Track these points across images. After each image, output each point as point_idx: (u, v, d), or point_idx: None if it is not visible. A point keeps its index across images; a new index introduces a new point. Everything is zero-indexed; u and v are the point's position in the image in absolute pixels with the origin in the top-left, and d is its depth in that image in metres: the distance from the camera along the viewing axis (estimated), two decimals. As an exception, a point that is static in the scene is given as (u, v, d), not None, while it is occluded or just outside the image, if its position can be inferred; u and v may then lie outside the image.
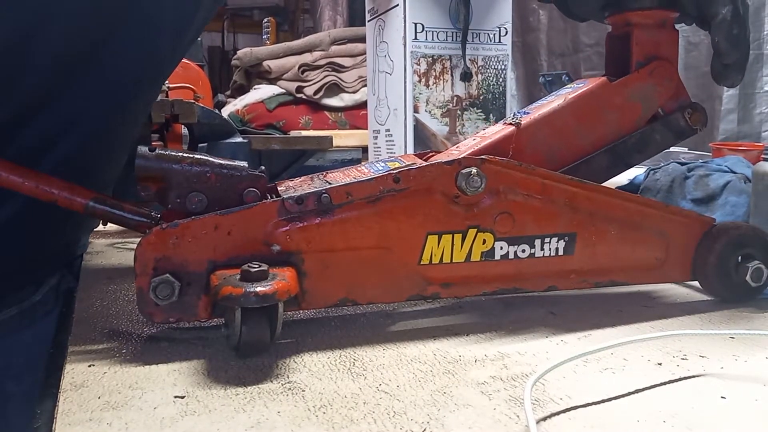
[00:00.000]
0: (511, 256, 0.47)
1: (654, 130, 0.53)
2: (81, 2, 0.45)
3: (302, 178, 0.49)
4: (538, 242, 0.47)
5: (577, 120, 0.51)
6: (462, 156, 0.46)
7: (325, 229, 0.43)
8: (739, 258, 0.50)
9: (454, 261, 0.46)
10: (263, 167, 0.44)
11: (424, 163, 0.46)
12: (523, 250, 0.47)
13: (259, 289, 0.38)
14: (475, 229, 0.46)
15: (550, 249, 0.47)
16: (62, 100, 0.49)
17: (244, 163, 0.43)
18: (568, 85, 0.55)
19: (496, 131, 0.51)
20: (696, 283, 0.53)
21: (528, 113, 0.51)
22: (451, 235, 0.45)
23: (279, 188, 0.46)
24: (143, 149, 0.42)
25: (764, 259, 0.49)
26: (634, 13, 0.52)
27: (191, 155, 0.42)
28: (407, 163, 0.47)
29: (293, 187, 0.46)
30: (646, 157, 0.53)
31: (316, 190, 0.43)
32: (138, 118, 0.63)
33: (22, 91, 0.46)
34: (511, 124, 0.50)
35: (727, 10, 0.48)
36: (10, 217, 0.51)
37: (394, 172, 0.44)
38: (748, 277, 0.49)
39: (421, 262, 0.45)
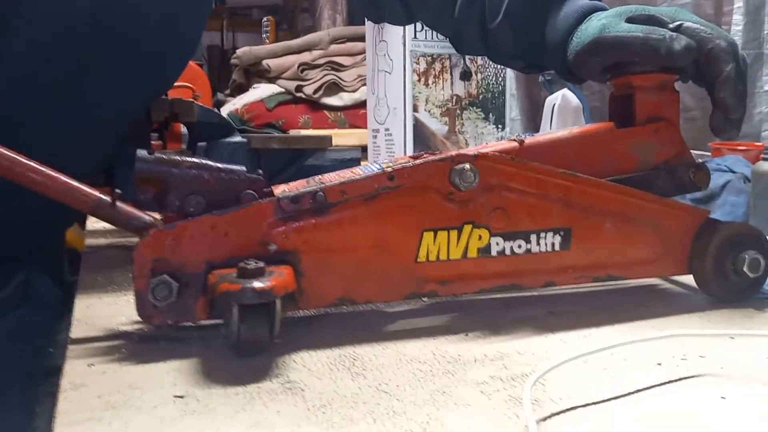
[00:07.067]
0: (508, 251, 0.47)
1: (658, 177, 0.53)
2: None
3: (298, 181, 0.49)
4: (533, 237, 0.47)
5: (576, 154, 0.52)
6: (455, 153, 0.47)
7: (321, 228, 0.43)
8: (735, 254, 0.49)
9: (450, 258, 0.46)
10: (260, 170, 0.44)
11: (418, 160, 0.46)
12: (519, 246, 0.47)
13: (256, 284, 0.38)
14: (471, 225, 0.46)
15: (546, 244, 0.47)
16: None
17: (242, 167, 0.43)
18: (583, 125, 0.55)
19: (500, 144, 0.52)
20: (695, 283, 0.52)
21: (534, 136, 0.52)
22: (446, 232, 0.45)
23: (275, 192, 0.46)
24: (142, 153, 0.42)
25: (762, 255, 0.49)
26: (636, 76, 0.53)
27: (190, 159, 0.42)
28: (402, 162, 0.47)
29: (289, 191, 0.46)
30: None
31: (311, 188, 0.43)
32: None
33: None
34: (514, 140, 0.51)
35: (731, 68, 0.49)
36: None
37: (389, 170, 0.44)
38: (745, 268, 0.49)
39: (418, 260, 0.45)
